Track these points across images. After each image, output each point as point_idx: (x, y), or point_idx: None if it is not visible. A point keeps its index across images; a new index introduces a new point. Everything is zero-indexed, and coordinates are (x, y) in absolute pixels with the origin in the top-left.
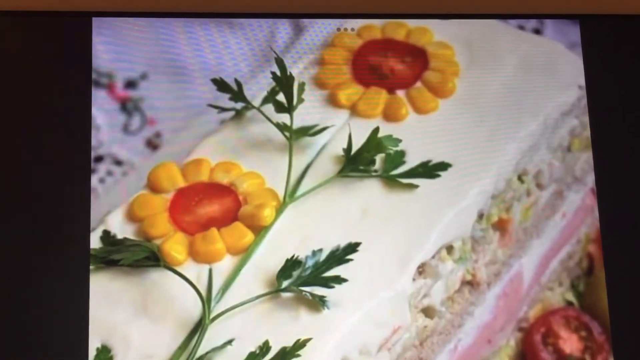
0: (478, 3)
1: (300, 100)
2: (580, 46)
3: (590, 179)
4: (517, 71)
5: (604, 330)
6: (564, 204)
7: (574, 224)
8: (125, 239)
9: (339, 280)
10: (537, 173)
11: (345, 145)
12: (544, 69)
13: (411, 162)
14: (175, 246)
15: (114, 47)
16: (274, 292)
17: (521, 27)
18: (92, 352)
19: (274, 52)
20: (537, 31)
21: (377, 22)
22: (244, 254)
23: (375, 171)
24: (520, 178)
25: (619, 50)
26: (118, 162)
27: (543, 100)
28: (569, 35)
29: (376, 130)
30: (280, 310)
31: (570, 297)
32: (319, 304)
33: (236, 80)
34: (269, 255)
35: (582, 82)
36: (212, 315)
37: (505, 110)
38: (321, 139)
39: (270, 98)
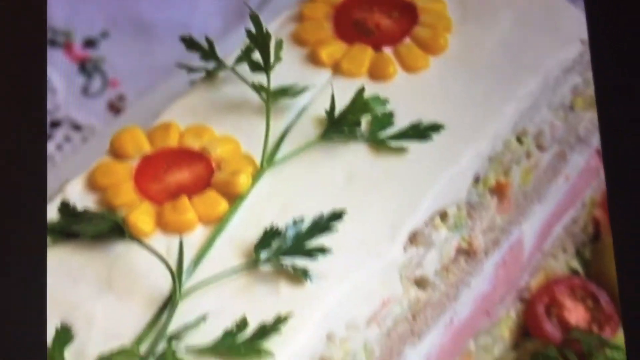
0: None
1: (278, 59)
2: None
3: (595, 140)
4: (514, 26)
5: (612, 300)
6: (567, 166)
7: (578, 187)
8: (86, 210)
9: (322, 250)
10: (537, 134)
11: (327, 107)
12: (543, 23)
13: (400, 123)
14: (141, 217)
15: (70, 1)
16: (252, 264)
17: None
18: (50, 333)
19: (248, 7)
20: None
21: None
22: (218, 224)
23: (361, 134)
24: (519, 139)
25: (623, 1)
26: (77, 127)
27: (543, 57)
28: None
29: (361, 90)
30: (259, 284)
31: (575, 264)
32: (301, 276)
33: (207, 38)
34: (246, 226)
35: (585, 36)
36: (183, 290)
37: (501, 68)
38: (301, 100)
39: (244, 57)
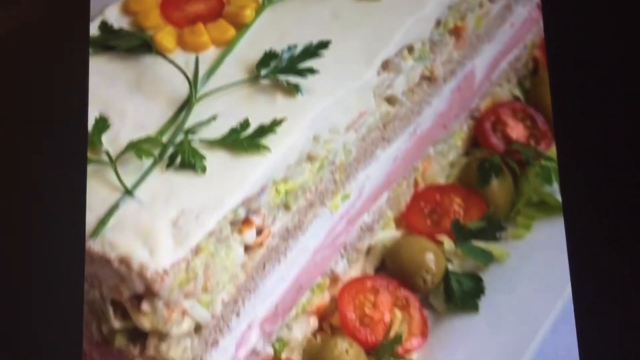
0: None
1: None
2: None
3: None
4: None
5: (547, 121)
6: (513, 15)
7: (521, 32)
8: (121, 29)
9: (311, 71)
10: None
11: None
12: None
13: None
14: (166, 37)
15: None
16: (254, 79)
17: None
18: (91, 122)
19: None
20: None
21: None
22: (227, 46)
23: None
24: None
25: None
26: None
27: None
28: None
29: None
30: (259, 94)
31: (517, 92)
32: (293, 90)
33: None
34: (250, 49)
35: None
36: (198, 95)
37: None
38: None
39: None
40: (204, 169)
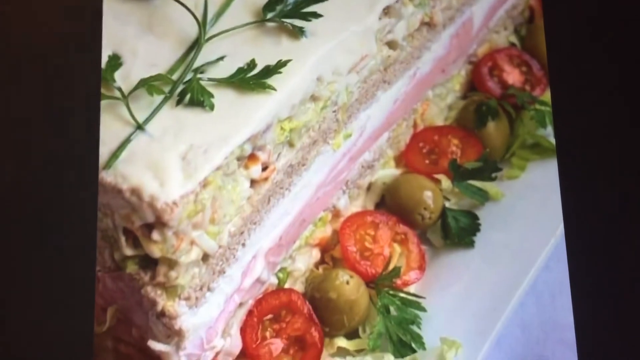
0: None
1: None
2: None
3: None
4: None
5: (542, 67)
6: None
7: None
8: None
9: (315, 15)
10: None
11: None
12: None
13: None
14: None
15: None
16: (260, 21)
17: None
18: (104, 59)
19: None
20: None
21: None
22: None
23: None
24: None
25: None
26: None
27: None
28: None
29: None
30: (265, 36)
31: (514, 39)
32: (298, 33)
33: None
34: None
35: None
36: (207, 36)
37: None
38: None
39: None
40: (212, 107)
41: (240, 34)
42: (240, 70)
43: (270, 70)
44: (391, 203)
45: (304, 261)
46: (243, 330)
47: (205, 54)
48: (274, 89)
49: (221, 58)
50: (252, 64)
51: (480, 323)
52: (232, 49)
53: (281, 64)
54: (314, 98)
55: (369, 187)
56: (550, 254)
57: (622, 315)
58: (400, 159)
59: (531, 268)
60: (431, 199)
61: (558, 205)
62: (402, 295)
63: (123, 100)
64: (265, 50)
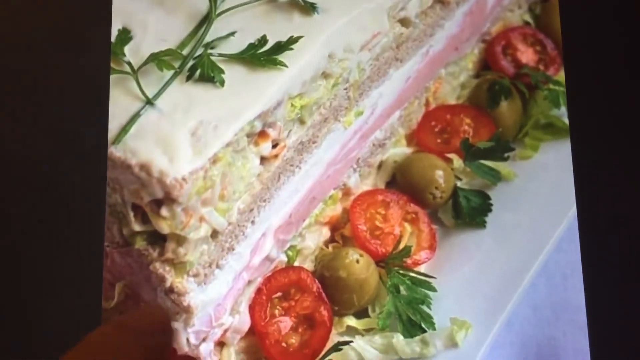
0: None
1: None
2: None
3: None
4: None
5: (556, 47)
6: None
7: None
8: None
9: None
10: None
11: None
12: None
13: None
14: None
15: None
16: None
17: None
18: (114, 34)
19: None
20: None
21: None
22: None
23: None
24: None
25: None
26: None
27: None
28: None
29: None
30: (277, 12)
31: (528, 18)
32: (310, 9)
33: None
34: None
35: None
36: (218, 11)
37: None
38: None
39: None
40: (222, 82)
41: (252, 9)
42: (251, 46)
43: (282, 47)
44: (402, 182)
45: (314, 239)
46: (252, 308)
47: (216, 29)
48: (285, 66)
49: (232, 33)
50: (263, 40)
51: (491, 304)
52: (243, 25)
53: (292, 40)
54: (325, 75)
55: (380, 166)
56: (563, 235)
57: (633, 297)
58: (412, 138)
59: (543, 249)
60: (442, 178)
61: (571, 187)
62: (412, 274)
63: (133, 75)
64: (276, 26)
